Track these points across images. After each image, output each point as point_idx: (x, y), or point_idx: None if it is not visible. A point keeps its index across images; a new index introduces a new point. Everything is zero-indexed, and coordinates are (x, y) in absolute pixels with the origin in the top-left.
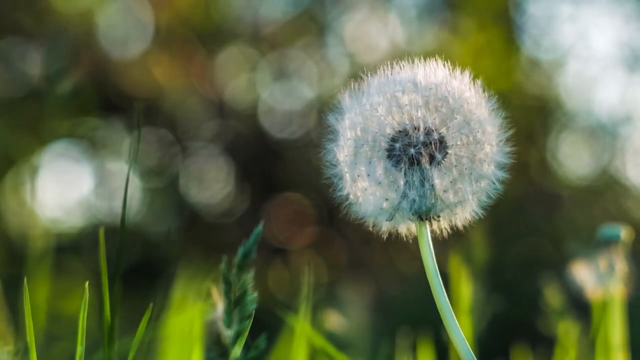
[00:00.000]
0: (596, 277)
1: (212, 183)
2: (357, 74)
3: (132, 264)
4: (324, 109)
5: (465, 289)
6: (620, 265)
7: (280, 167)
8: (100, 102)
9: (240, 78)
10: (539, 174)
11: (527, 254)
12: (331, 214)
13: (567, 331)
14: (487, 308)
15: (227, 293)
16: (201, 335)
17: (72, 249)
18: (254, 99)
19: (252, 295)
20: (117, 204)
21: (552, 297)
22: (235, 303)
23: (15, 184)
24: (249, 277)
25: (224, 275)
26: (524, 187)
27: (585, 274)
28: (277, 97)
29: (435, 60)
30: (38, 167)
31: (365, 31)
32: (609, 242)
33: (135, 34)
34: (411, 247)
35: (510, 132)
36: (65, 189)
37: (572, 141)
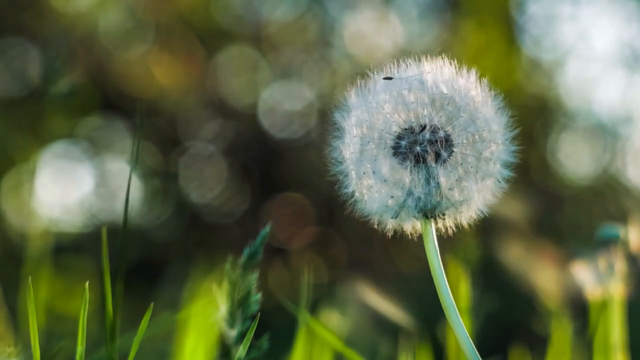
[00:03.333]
0: (596, 277)
1: (212, 183)
2: (357, 73)
3: (132, 264)
4: (324, 109)
5: (463, 288)
6: (620, 265)
7: (280, 167)
8: (100, 101)
9: (240, 78)
10: (540, 174)
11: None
12: (331, 214)
13: (561, 331)
14: (482, 307)
15: (230, 294)
16: (215, 336)
17: (72, 249)
18: (254, 99)
19: (256, 296)
20: (118, 204)
21: (548, 297)
22: (238, 304)
23: (15, 184)
24: (253, 278)
25: (228, 276)
26: (524, 187)
27: (584, 274)
28: (277, 97)
29: (441, 58)
30: (38, 167)
31: (366, 31)
32: (609, 242)
33: (135, 34)
34: (412, 246)
35: (514, 132)
36: (65, 189)
37: (572, 141)
